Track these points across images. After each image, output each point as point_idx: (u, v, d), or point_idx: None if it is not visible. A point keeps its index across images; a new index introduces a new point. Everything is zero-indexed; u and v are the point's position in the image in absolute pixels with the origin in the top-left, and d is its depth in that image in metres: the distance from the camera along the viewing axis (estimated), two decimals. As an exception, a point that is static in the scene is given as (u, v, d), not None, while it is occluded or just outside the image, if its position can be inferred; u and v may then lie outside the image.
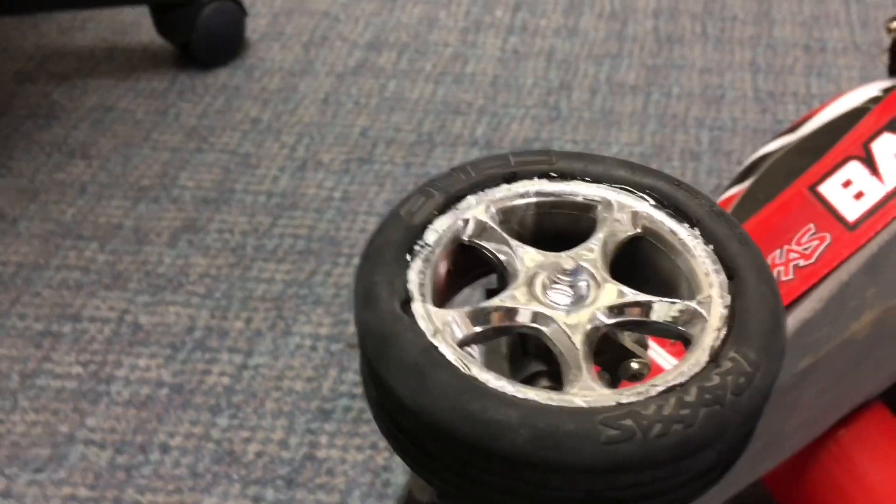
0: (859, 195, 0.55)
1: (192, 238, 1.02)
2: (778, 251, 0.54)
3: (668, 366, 0.49)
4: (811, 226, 0.55)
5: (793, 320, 0.53)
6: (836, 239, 0.54)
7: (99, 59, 1.29)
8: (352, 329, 0.92)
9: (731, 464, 0.32)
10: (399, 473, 0.80)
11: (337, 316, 0.94)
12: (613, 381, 0.37)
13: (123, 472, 0.79)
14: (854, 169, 0.56)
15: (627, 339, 0.37)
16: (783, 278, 0.53)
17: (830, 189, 0.56)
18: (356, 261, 1.00)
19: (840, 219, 0.55)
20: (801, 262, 0.53)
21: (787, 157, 0.69)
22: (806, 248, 0.54)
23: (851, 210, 0.55)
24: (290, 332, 0.92)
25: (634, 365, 0.37)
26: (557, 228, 0.38)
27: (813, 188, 0.57)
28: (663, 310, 0.34)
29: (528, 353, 0.36)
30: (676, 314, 0.33)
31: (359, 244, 1.02)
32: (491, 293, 0.38)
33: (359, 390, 0.86)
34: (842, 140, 0.59)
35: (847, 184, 0.56)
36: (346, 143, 1.16)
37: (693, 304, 0.34)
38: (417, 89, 1.25)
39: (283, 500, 0.77)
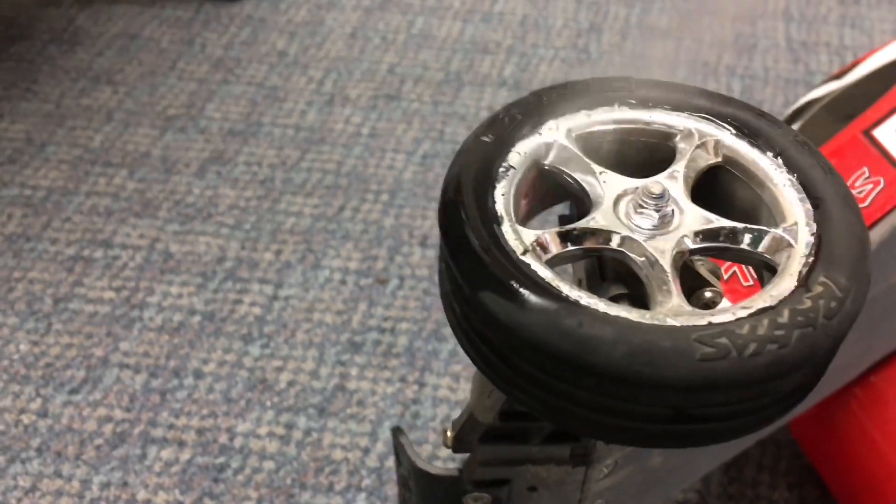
0: (914, 140, 0.55)
1: (220, 169, 1.02)
2: (833, 193, 0.54)
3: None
4: (865, 169, 0.55)
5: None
6: (890, 182, 0.54)
7: (122, -15, 1.27)
8: (380, 265, 0.93)
9: (811, 388, 0.33)
10: (428, 406, 0.81)
11: (366, 251, 0.94)
12: (687, 309, 0.37)
13: (158, 396, 0.80)
14: (909, 114, 0.56)
15: (702, 267, 0.37)
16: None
17: (885, 133, 0.56)
18: (384, 197, 1.00)
19: (894, 162, 0.55)
20: (855, 205, 0.54)
21: (835, 103, 0.68)
22: (860, 192, 0.54)
23: (905, 155, 0.55)
24: (319, 266, 0.92)
25: (708, 294, 0.37)
26: (636, 156, 0.38)
27: (867, 132, 0.57)
28: (750, 237, 0.34)
29: (607, 276, 0.36)
30: (764, 241, 0.34)
31: (387, 181, 1.02)
32: (564, 219, 0.38)
33: (388, 325, 0.87)
34: (896, 86, 0.59)
35: (902, 129, 0.56)
36: (373, 79, 1.15)
37: (780, 231, 0.34)
38: (445, 27, 1.23)
39: (315, 427, 0.79)
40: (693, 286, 0.37)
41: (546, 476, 0.46)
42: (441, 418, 0.81)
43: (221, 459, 0.76)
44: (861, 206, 0.54)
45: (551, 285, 0.31)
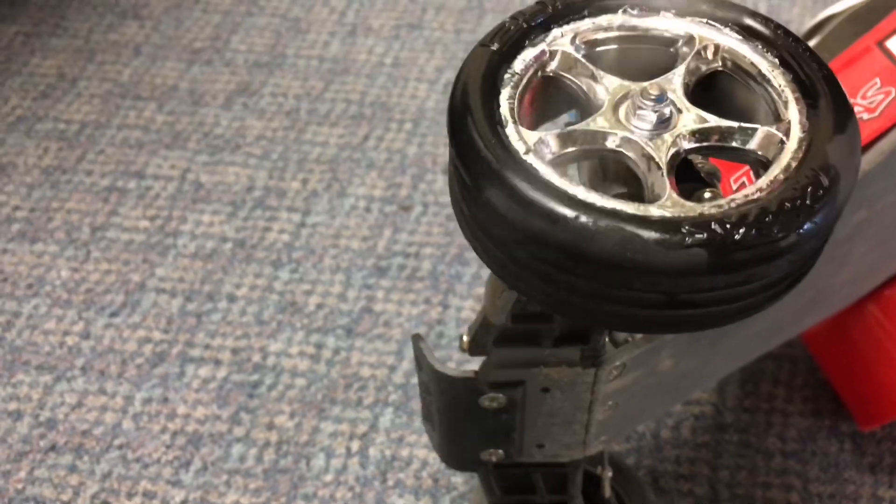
0: (928, 51, 0.55)
1: (246, 101, 1.04)
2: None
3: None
4: (877, 80, 0.55)
5: (852, 172, 0.54)
6: (902, 93, 0.54)
7: (145, -80, 1.27)
8: (404, 192, 0.95)
9: (801, 275, 0.35)
10: (452, 327, 0.84)
11: (390, 179, 0.96)
12: (686, 205, 0.39)
13: (194, 318, 0.84)
14: (924, 24, 0.56)
15: (702, 168, 0.39)
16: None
17: (899, 44, 0.56)
18: (408, 126, 1.01)
19: (906, 74, 0.55)
20: (865, 116, 0.54)
21: (854, 18, 0.68)
22: (871, 102, 0.54)
23: (918, 65, 0.55)
24: (345, 194, 0.95)
25: (707, 194, 0.38)
26: (639, 61, 0.39)
27: (881, 43, 0.57)
28: (744, 135, 0.35)
29: (608, 177, 0.38)
30: (758, 139, 0.35)
31: (410, 110, 1.03)
32: (570, 126, 0.40)
33: (413, 250, 0.90)
34: (914, -4, 0.58)
35: (916, 39, 0.56)
36: (395, 8, 1.15)
37: (773, 129, 0.35)
38: (467, -45, 1.22)
39: (344, 347, 0.82)
40: (693, 187, 0.39)
41: (558, 377, 0.49)
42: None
43: (255, 377, 0.80)
44: (871, 115, 0.55)
45: (551, 182, 0.33)
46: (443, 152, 0.99)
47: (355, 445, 0.75)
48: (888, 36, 0.57)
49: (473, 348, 0.49)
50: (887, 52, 0.56)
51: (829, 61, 0.62)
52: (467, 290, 0.87)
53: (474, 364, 0.51)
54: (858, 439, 0.76)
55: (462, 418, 0.52)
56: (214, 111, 1.02)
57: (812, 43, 0.67)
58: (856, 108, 0.56)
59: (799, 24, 1.10)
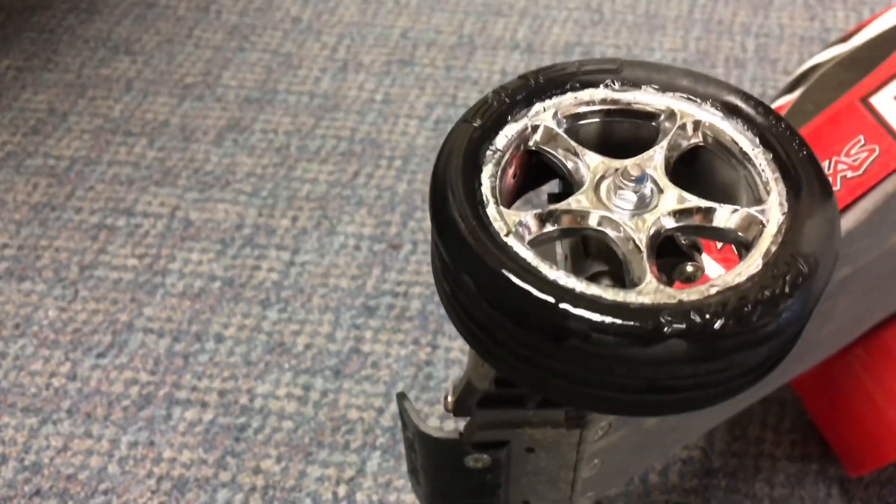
0: (911, 108, 0.55)
1: (237, 137, 1.04)
2: (826, 162, 0.55)
3: (714, 270, 0.51)
4: (861, 137, 0.56)
5: (836, 230, 0.54)
6: (885, 151, 0.55)
7: (138, -47, 1.28)
8: (394, 230, 0.95)
9: (781, 359, 0.35)
10: (440, 368, 0.84)
11: (379, 217, 0.96)
12: (668, 283, 0.39)
13: (181, 359, 0.84)
14: (907, 82, 0.56)
15: (683, 242, 0.39)
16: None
17: (882, 101, 0.57)
18: (398, 163, 1.01)
19: (890, 130, 0.56)
20: (849, 174, 0.55)
21: (838, 69, 0.69)
22: (854, 160, 0.55)
23: (902, 123, 0.55)
24: (334, 232, 0.95)
25: (689, 268, 0.39)
26: (621, 135, 0.40)
27: (865, 100, 0.57)
28: (724, 216, 0.35)
29: (590, 254, 0.38)
30: (737, 220, 0.35)
31: (400, 147, 1.03)
32: (553, 198, 0.40)
33: (401, 289, 0.90)
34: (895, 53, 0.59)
35: (899, 96, 0.56)
36: (386, 44, 1.16)
37: (753, 210, 0.35)
38: (458, -11, 1.23)
39: (332, 388, 0.82)
40: (674, 261, 0.39)
41: (542, 438, 0.49)
42: (453, 379, 0.83)
43: (242, 419, 0.79)
44: (855, 173, 0.55)
45: (531, 266, 0.33)
46: (433, 189, 0.99)
47: (342, 490, 0.75)
48: (872, 92, 0.58)
49: (458, 409, 0.49)
50: (871, 109, 0.57)
51: (814, 114, 0.62)
52: (456, 330, 0.87)
53: (458, 419, 0.51)
54: (846, 484, 0.76)
55: (447, 476, 0.52)
56: (205, 147, 1.02)
57: (796, 94, 0.67)
58: (839, 167, 0.56)
59: (787, 62, 1.11)
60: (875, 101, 0.57)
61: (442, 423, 0.79)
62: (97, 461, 0.76)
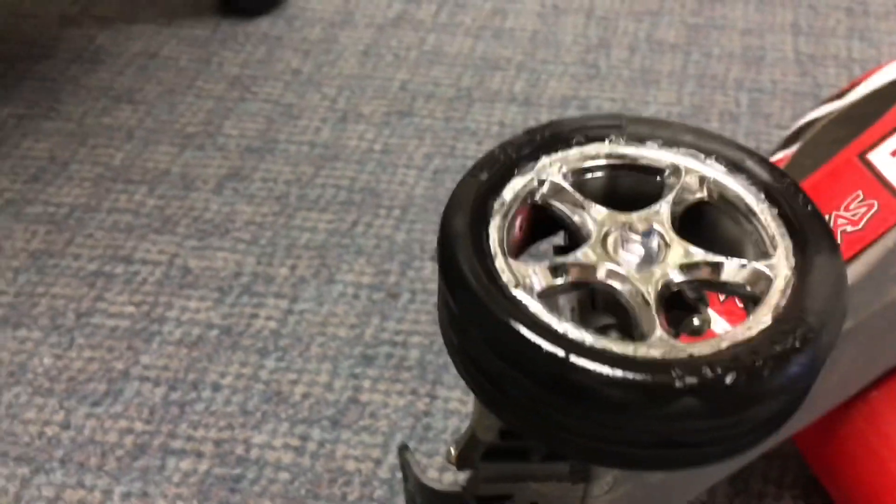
0: (908, 164, 0.56)
1: (237, 186, 1.04)
2: (827, 216, 0.56)
3: (719, 323, 0.51)
4: (859, 192, 0.57)
5: (837, 284, 0.55)
6: (884, 206, 0.55)
7: (142, 4, 1.30)
8: (392, 279, 0.95)
9: (792, 413, 0.35)
10: (439, 419, 0.83)
11: (378, 266, 0.96)
12: (675, 335, 0.39)
13: (177, 408, 0.83)
14: (904, 138, 0.58)
15: (689, 296, 0.39)
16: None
17: (880, 157, 0.58)
18: (396, 213, 1.02)
19: (888, 186, 0.56)
20: (849, 228, 0.55)
21: (834, 124, 0.70)
22: (854, 215, 0.55)
23: (899, 178, 0.56)
24: (333, 280, 0.95)
25: (696, 321, 0.39)
26: (627, 189, 0.40)
27: (862, 156, 0.58)
28: (732, 270, 0.36)
29: (597, 306, 0.38)
30: (745, 274, 0.35)
31: (398, 197, 1.04)
32: (559, 250, 0.40)
33: (400, 339, 0.90)
34: (893, 109, 0.60)
35: (896, 153, 0.57)
36: (385, 95, 1.17)
37: (760, 265, 0.36)
38: (457, 43, 1.26)
39: (329, 439, 0.81)
40: (681, 313, 0.39)
41: (547, 492, 0.48)
42: (452, 430, 0.83)
43: (238, 470, 0.78)
44: (855, 228, 0.56)
45: (540, 319, 0.33)
46: (431, 239, 0.99)
47: (339, 545, 0.74)
48: (869, 148, 0.59)
49: (461, 463, 0.49)
50: (868, 165, 0.58)
51: (811, 169, 0.63)
52: (455, 380, 0.86)
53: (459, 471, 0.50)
54: (849, 540, 0.75)
55: (449, 530, 0.51)
56: (205, 195, 1.03)
57: (793, 149, 0.69)
58: (839, 221, 0.57)
59: (780, 117, 1.13)
60: (872, 157, 0.58)
61: (441, 475, 0.78)
62: (89, 513, 0.75)
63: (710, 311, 0.53)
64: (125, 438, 0.80)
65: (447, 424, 0.83)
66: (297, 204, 1.02)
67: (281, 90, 1.17)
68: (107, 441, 0.80)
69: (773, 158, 0.70)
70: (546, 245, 0.41)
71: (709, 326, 0.39)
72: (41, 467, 0.78)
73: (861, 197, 0.56)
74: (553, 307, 0.40)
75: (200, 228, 0.99)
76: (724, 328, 0.43)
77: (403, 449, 0.49)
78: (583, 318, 0.38)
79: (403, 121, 1.13)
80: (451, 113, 1.15)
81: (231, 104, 1.15)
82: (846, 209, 0.56)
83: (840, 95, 0.72)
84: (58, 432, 0.81)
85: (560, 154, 0.39)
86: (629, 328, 0.36)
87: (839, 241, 0.56)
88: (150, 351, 0.87)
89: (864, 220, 0.55)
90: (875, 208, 0.55)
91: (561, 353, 0.32)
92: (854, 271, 0.54)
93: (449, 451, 0.49)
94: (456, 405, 0.84)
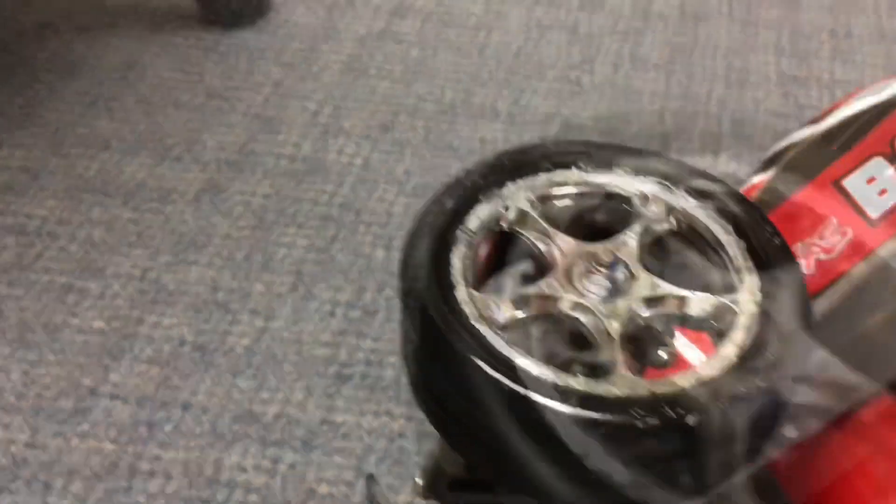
0: (882, 192, 0.56)
1: (214, 199, 1.03)
2: (800, 244, 0.55)
3: (689, 354, 0.51)
4: (833, 219, 0.56)
5: (811, 313, 0.54)
6: (858, 234, 0.55)
7: (122, 13, 1.29)
8: (369, 297, 0.94)
9: (760, 449, 0.34)
10: (414, 440, 0.82)
11: (356, 283, 0.95)
12: (641, 369, 0.38)
13: (146, 428, 0.81)
14: (879, 165, 0.57)
15: (657, 328, 0.38)
16: (805, 272, 0.54)
17: (854, 184, 0.57)
18: (375, 229, 1.01)
19: (862, 213, 0.56)
20: (823, 256, 0.55)
21: (811, 149, 0.69)
22: (828, 243, 0.55)
23: (874, 206, 0.56)
24: (309, 297, 0.94)
25: (662, 354, 0.38)
26: (594, 218, 0.39)
27: (837, 182, 0.58)
28: (698, 304, 0.35)
29: (562, 336, 0.38)
30: (710, 309, 0.35)
31: (378, 213, 1.03)
32: (526, 278, 0.39)
33: (375, 358, 0.88)
34: (868, 136, 0.60)
35: (871, 180, 0.57)
36: (367, 109, 1.16)
37: (726, 299, 0.35)
38: (440, 59, 1.25)
39: (301, 461, 0.80)
40: (647, 346, 0.38)
41: (514, 523, 0.47)
42: (427, 452, 0.81)
43: (207, 492, 0.77)
44: (829, 256, 0.55)
45: (499, 353, 0.32)
46: (410, 256, 0.98)
47: (308, 569, 0.72)
48: (844, 175, 0.58)
49: (427, 493, 0.48)
50: (843, 192, 0.57)
51: (787, 193, 0.63)
52: (430, 400, 0.85)
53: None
54: (825, 568, 0.74)
55: (415, 561, 0.50)
56: (181, 209, 1.02)
57: (770, 173, 0.68)
58: (813, 248, 0.56)
59: (762, 138, 1.13)
60: (847, 183, 0.58)
61: (413, 500, 0.77)
62: (52, 534, 0.73)
63: (681, 337, 0.53)
64: (92, 458, 0.79)
65: (421, 446, 0.81)
66: (274, 219, 1.01)
67: (262, 103, 1.16)
68: (73, 461, 0.78)
69: (751, 182, 0.69)
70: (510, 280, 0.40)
71: (675, 359, 0.38)
72: (5, 487, 0.76)
73: (835, 224, 0.56)
74: (524, 336, 0.39)
75: (176, 243, 0.98)
76: (695, 357, 0.43)
77: (371, 480, 0.48)
78: (546, 348, 0.38)
79: (385, 136, 1.12)
80: (434, 128, 1.14)
81: (210, 116, 1.13)
82: (820, 237, 0.55)
83: (817, 120, 0.72)
84: (23, 451, 0.79)
85: (527, 180, 0.39)
86: (594, 360, 0.35)
87: (813, 270, 0.55)
88: (120, 368, 0.86)
89: (838, 248, 0.54)
90: (848, 236, 0.55)
91: (520, 389, 0.31)
92: (827, 300, 0.54)
93: (415, 481, 0.48)
94: (431, 427, 0.83)
